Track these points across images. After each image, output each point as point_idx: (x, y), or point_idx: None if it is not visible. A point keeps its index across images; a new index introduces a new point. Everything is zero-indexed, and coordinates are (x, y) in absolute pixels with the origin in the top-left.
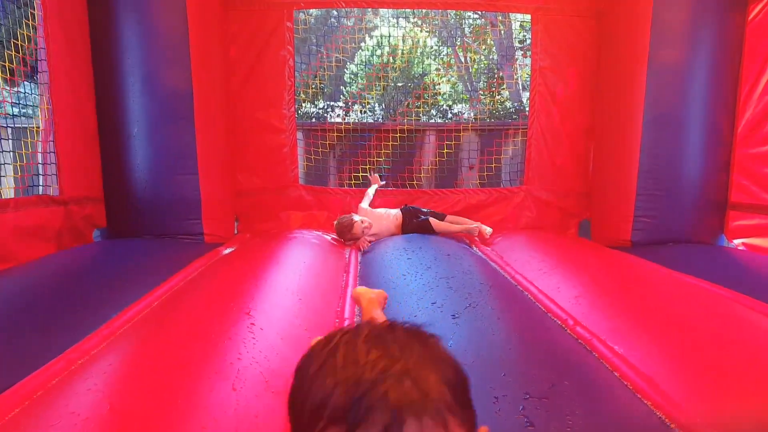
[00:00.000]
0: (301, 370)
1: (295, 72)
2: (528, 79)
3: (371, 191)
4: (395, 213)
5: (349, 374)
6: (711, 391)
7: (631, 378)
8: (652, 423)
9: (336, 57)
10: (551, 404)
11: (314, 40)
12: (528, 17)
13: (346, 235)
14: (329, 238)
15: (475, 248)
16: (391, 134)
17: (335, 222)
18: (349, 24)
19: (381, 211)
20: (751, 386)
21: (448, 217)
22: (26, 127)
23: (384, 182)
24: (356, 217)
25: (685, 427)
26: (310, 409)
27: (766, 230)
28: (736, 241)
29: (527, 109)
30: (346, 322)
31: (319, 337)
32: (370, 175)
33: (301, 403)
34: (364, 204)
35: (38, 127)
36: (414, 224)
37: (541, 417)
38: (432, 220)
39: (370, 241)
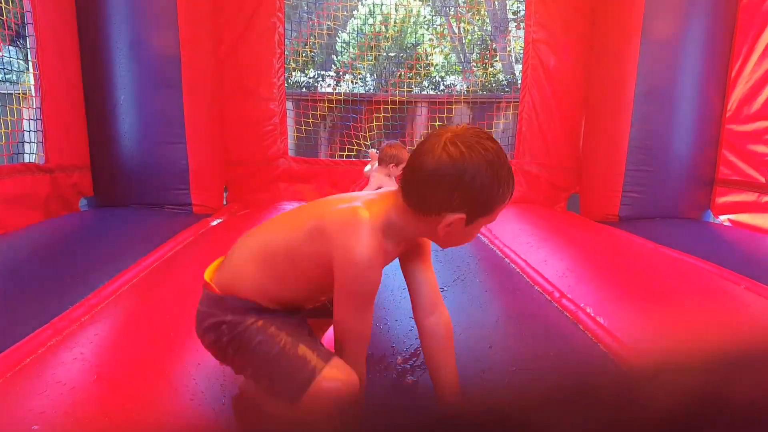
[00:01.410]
0: (490, 165)
1: (285, 40)
2: (521, 51)
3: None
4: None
5: (508, 169)
6: None
7: (614, 349)
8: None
9: (327, 25)
10: (537, 375)
11: (305, 7)
12: None
13: (390, 158)
14: None
15: None
16: (382, 105)
17: (389, 144)
18: None
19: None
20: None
21: None
22: (10, 93)
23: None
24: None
25: None
26: (503, 191)
27: (752, 206)
28: (722, 217)
29: (519, 82)
30: None
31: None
32: (369, 150)
33: (496, 189)
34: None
35: (23, 94)
36: None
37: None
38: None
39: None
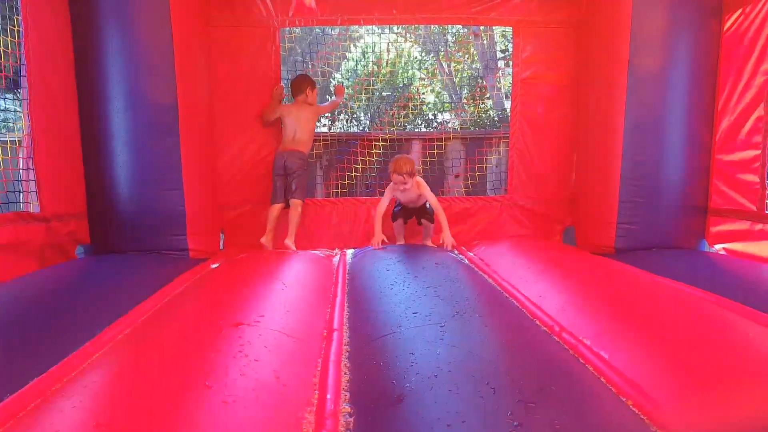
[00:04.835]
0: None
1: (282, 82)
2: (510, 88)
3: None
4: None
5: None
6: (694, 393)
7: (615, 382)
8: (636, 426)
9: (322, 68)
10: (538, 409)
11: (300, 51)
12: (510, 28)
13: (402, 167)
14: (319, 253)
15: (461, 256)
16: (375, 143)
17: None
18: (334, 33)
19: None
20: (732, 388)
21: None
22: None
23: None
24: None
25: (668, 429)
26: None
27: (746, 235)
28: (717, 246)
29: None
30: (335, 333)
31: None
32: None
33: None
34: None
35: (18, 142)
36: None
37: (529, 421)
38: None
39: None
